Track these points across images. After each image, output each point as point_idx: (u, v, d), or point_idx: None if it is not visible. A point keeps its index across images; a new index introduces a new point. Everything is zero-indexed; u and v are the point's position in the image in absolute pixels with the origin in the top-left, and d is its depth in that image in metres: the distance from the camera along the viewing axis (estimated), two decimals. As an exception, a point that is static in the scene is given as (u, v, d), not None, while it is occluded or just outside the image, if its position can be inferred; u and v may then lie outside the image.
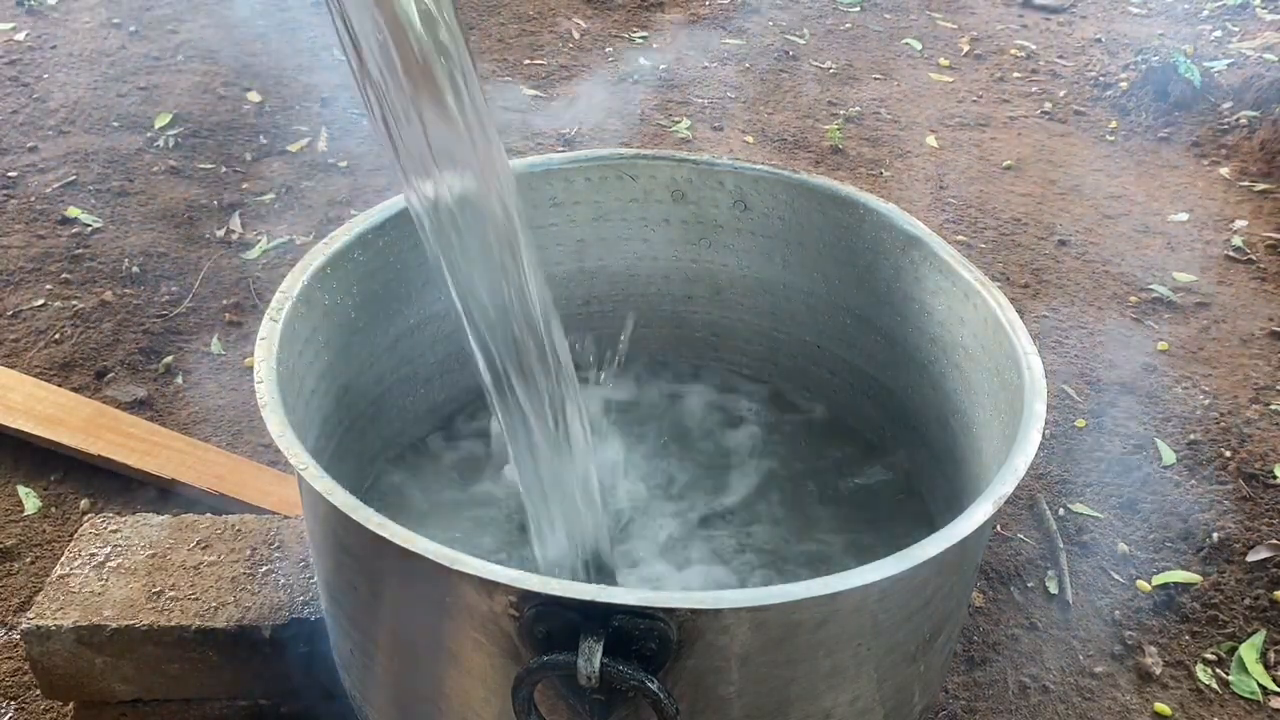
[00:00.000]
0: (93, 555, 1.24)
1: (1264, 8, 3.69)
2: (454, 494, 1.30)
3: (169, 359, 1.88)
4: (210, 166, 2.45)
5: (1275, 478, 1.72)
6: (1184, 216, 2.54)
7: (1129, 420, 1.87)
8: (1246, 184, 2.69)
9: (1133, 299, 2.22)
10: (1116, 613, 1.54)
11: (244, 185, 2.39)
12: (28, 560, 1.52)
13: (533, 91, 2.93)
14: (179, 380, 1.84)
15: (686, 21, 3.47)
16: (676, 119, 2.84)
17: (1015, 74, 3.29)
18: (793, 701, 0.83)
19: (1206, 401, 1.91)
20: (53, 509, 1.60)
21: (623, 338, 1.30)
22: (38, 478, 1.65)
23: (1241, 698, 1.43)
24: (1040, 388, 0.97)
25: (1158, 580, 1.58)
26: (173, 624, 1.17)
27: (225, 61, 2.92)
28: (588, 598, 0.72)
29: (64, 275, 2.05)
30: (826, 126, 2.85)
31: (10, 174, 2.36)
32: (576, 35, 3.30)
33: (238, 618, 1.17)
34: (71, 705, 1.28)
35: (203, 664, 1.19)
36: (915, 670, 0.92)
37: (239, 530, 1.29)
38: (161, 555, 1.24)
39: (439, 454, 1.34)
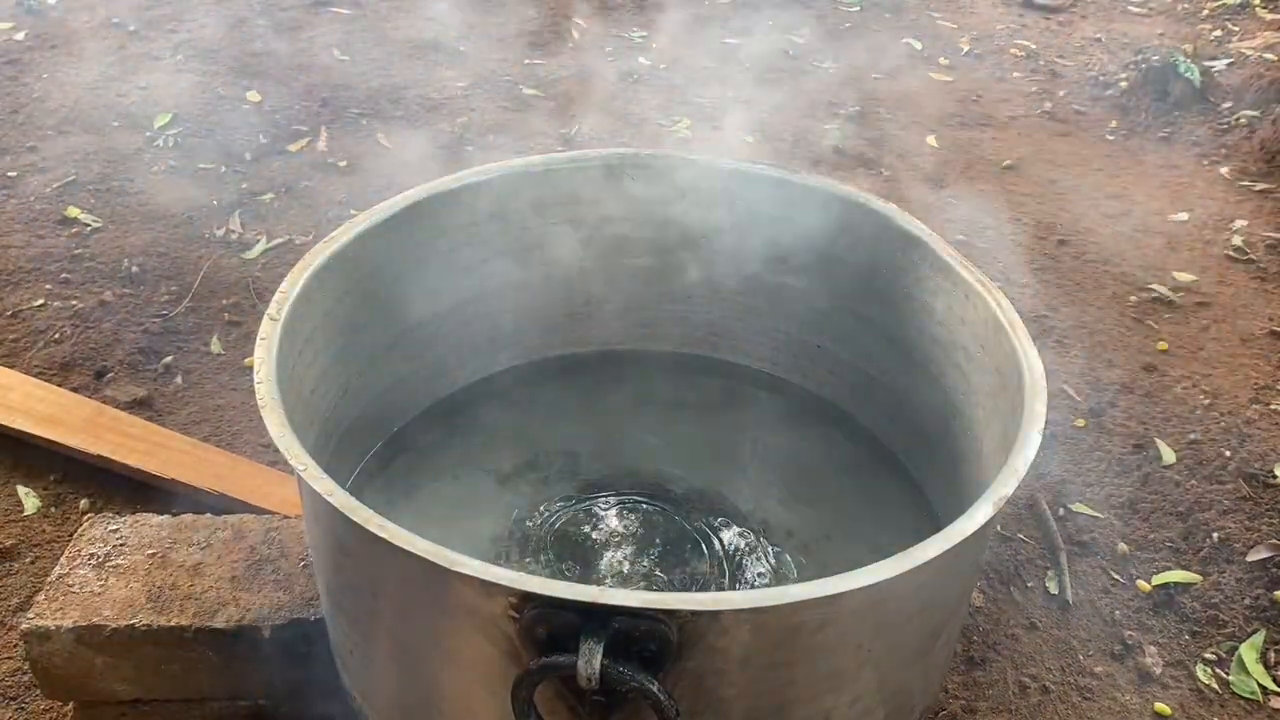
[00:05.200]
0: (93, 555, 1.24)
1: (1264, 8, 3.69)
2: (453, 492, 1.30)
3: (169, 359, 1.88)
4: (210, 166, 2.45)
5: (1275, 478, 1.72)
6: (1184, 216, 2.54)
7: (1129, 420, 1.87)
8: (1246, 184, 2.68)
9: (1133, 299, 2.22)
10: (1116, 613, 1.54)
11: (244, 185, 2.39)
12: (28, 560, 1.52)
13: (533, 91, 2.92)
14: (179, 380, 1.84)
15: (687, 21, 3.47)
16: (676, 119, 2.83)
17: (1015, 74, 3.29)
18: (793, 703, 0.83)
19: (1206, 401, 1.91)
20: (53, 509, 1.60)
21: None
22: (38, 478, 1.65)
23: (1241, 698, 1.43)
24: (1040, 388, 0.98)
25: (1158, 580, 1.58)
26: (173, 624, 1.16)
27: (225, 61, 2.92)
28: (588, 599, 0.72)
29: (64, 275, 2.05)
30: (826, 126, 2.85)
31: (10, 174, 2.36)
32: (576, 35, 3.30)
33: (238, 618, 1.17)
34: (71, 705, 1.28)
35: (203, 664, 1.19)
36: (915, 671, 0.92)
37: (239, 530, 1.28)
38: (161, 555, 1.24)
39: (439, 453, 1.34)
